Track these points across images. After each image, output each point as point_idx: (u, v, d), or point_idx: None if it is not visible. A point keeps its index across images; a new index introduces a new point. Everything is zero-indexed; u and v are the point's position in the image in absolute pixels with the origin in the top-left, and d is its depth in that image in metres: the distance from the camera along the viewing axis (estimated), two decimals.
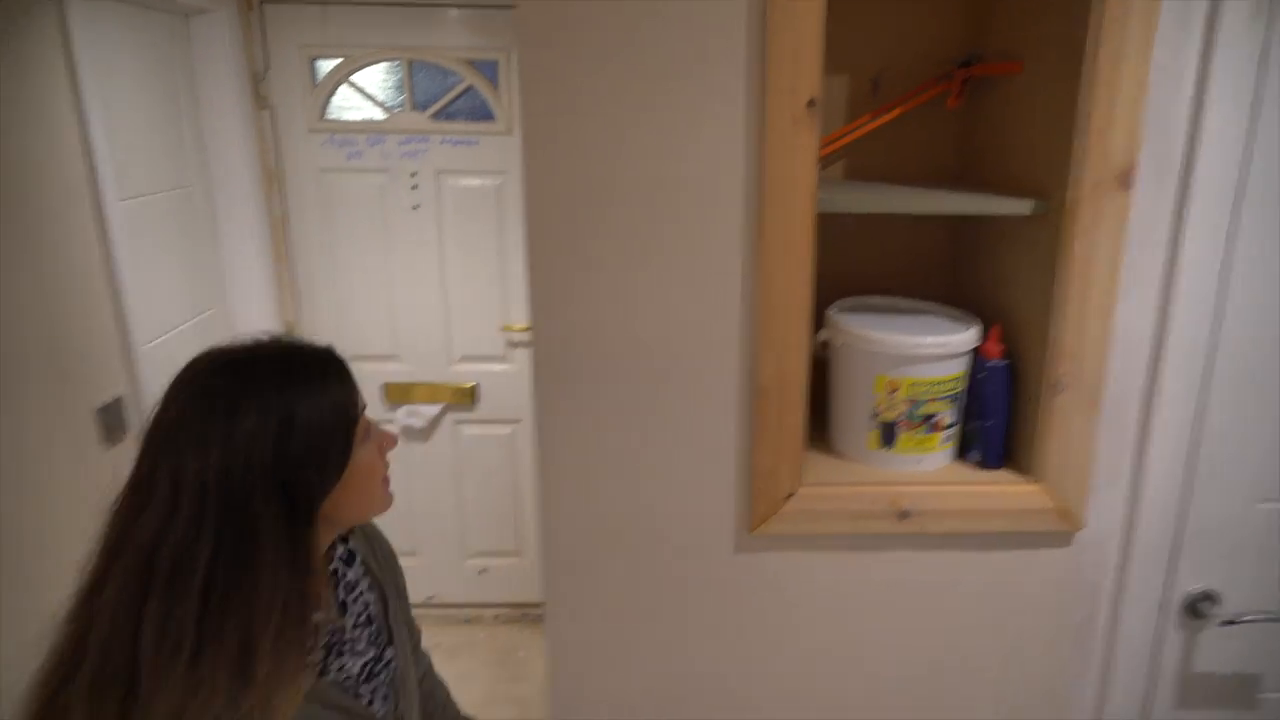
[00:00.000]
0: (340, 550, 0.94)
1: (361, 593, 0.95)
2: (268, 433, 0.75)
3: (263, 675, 0.74)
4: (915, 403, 1.11)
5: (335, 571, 0.92)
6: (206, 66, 2.32)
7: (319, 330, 2.70)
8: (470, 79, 2.53)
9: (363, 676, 0.92)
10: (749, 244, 0.99)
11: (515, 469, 2.95)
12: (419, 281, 2.70)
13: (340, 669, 0.89)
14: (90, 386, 1.62)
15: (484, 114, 2.57)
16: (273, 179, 2.54)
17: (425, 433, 2.87)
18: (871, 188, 1.20)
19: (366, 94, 2.53)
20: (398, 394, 2.81)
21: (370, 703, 0.93)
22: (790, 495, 1.07)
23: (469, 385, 2.82)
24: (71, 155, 1.61)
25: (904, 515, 1.09)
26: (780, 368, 1.03)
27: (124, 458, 1.75)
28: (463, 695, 1.31)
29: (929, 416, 1.12)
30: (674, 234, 0.99)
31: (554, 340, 1.05)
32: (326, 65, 2.49)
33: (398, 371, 2.80)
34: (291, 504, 0.77)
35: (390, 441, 0.89)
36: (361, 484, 0.85)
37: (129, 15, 1.96)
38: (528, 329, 2.68)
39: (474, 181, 2.63)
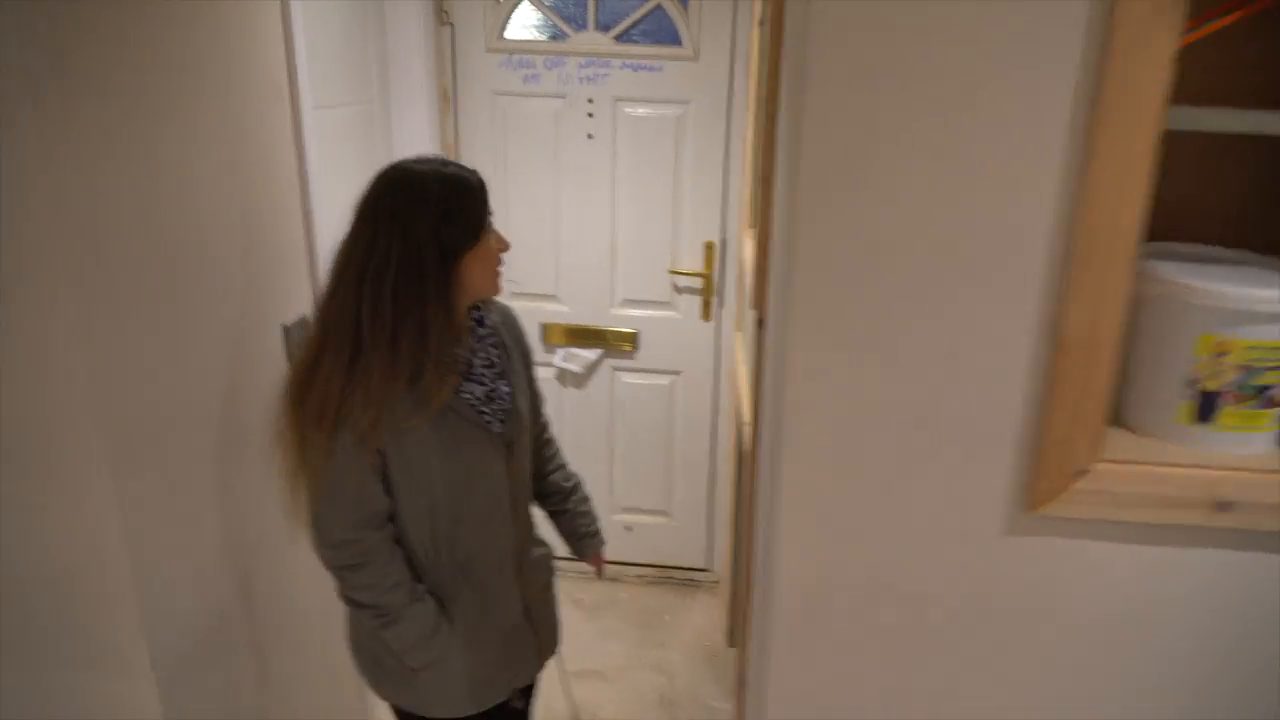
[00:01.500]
0: (475, 314, 1.39)
1: (488, 344, 1.40)
2: (432, 200, 1.24)
3: (431, 363, 1.26)
4: (1249, 370, 0.95)
5: (471, 327, 1.37)
6: None
7: None
8: None
9: (483, 400, 1.35)
10: (1072, 162, 0.86)
11: (670, 424, 2.91)
12: (586, 217, 2.66)
13: (470, 392, 1.34)
14: (279, 303, 1.67)
15: (670, 37, 2.48)
16: (448, 100, 2.56)
17: (581, 378, 2.87)
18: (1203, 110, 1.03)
19: (548, 8, 2.49)
20: (556, 335, 2.81)
21: (489, 422, 1.36)
22: (1084, 472, 0.94)
23: (630, 331, 2.79)
24: (275, 55, 1.64)
25: (1224, 506, 0.94)
26: (1093, 318, 0.90)
27: None
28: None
29: (1264, 389, 0.96)
30: (973, 141, 0.87)
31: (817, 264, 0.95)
32: None
33: (557, 312, 2.79)
34: (442, 253, 1.24)
35: (502, 243, 1.34)
36: (484, 260, 1.30)
37: None
38: (698, 274, 2.65)
39: (654, 111, 2.55)
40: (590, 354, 2.81)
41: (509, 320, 1.50)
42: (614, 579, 3.08)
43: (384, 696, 1.50)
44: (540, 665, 1.60)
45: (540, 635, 1.56)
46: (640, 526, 3.04)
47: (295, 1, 1.65)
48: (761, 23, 1.98)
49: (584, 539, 1.67)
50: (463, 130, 2.60)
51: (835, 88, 0.88)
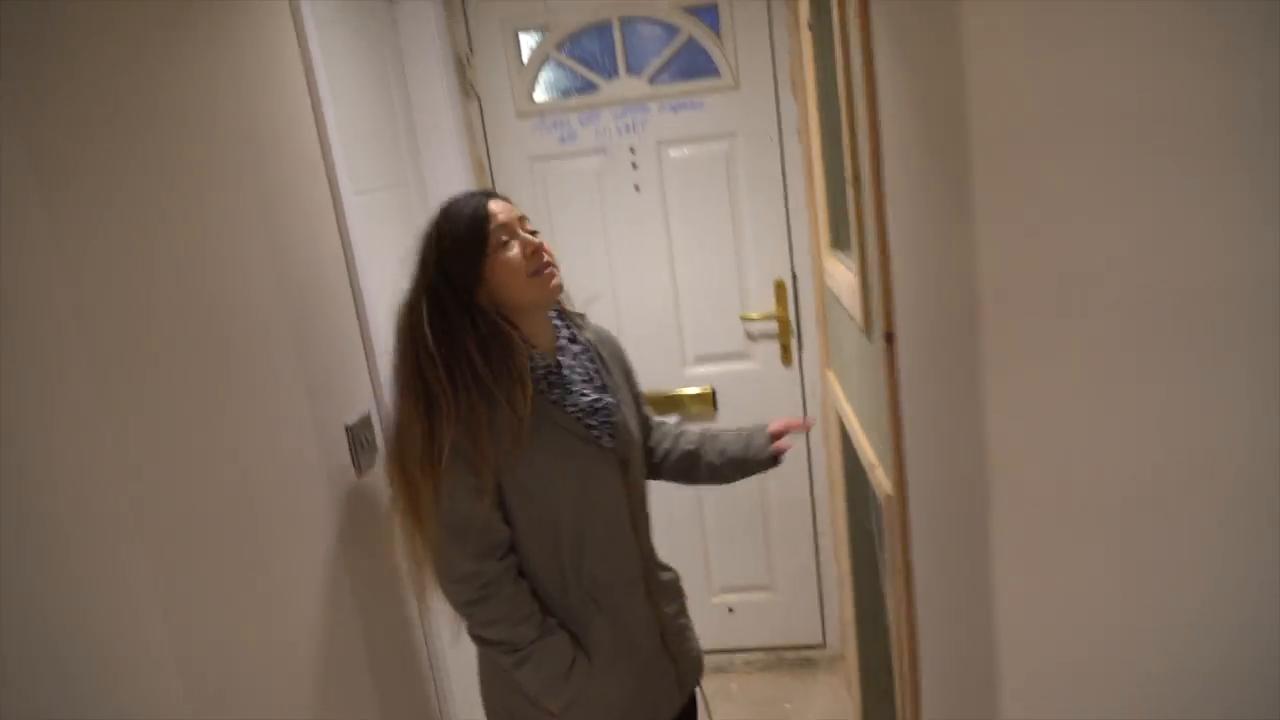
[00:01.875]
0: (566, 331, 1.44)
1: (584, 360, 1.42)
2: (431, 236, 1.35)
3: (495, 382, 1.28)
4: None
5: (562, 346, 1.42)
6: (414, 48, 2.25)
7: None
8: (689, 29, 2.33)
9: (590, 410, 1.36)
10: None
11: (763, 487, 2.67)
12: (644, 274, 2.51)
13: (573, 404, 1.35)
14: (339, 401, 1.51)
15: (706, 69, 2.37)
16: (484, 171, 2.45)
17: None
18: None
19: (576, 63, 2.39)
20: None
21: (598, 436, 1.37)
22: None
23: (706, 391, 2.59)
24: (308, 134, 1.52)
25: None
26: None
27: (375, 486, 1.65)
28: None
29: None
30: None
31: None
32: (529, 40, 2.38)
33: None
34: (450, 282, 1.31)
35: (528, 246, 1.34)
36: (506, 275, 1.32)
37: None
38: (771, 316, 2.47)
39: (700, 150, 2.42)
40: (668, 421, 2.61)
41: (605, 339, 1.53)
42: (720, 669, 2.80)
43: None
44: (683, 697, 1.54)
45: (679, 665, 1.51)
46: (743, 606, 2.78)
47: (322, 74, 1.55)
48: (811, 25, 1.85)
49: (752, 444, 1.59)
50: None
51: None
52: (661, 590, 1.50)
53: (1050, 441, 0.77)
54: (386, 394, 1.68)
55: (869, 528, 2.29)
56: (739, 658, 2.83)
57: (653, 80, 2.38)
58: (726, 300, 2.51)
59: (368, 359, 1.67)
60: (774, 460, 1.57)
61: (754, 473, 1.59)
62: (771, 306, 2.52)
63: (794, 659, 2.83)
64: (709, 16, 2.33)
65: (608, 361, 1.47)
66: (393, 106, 2.18)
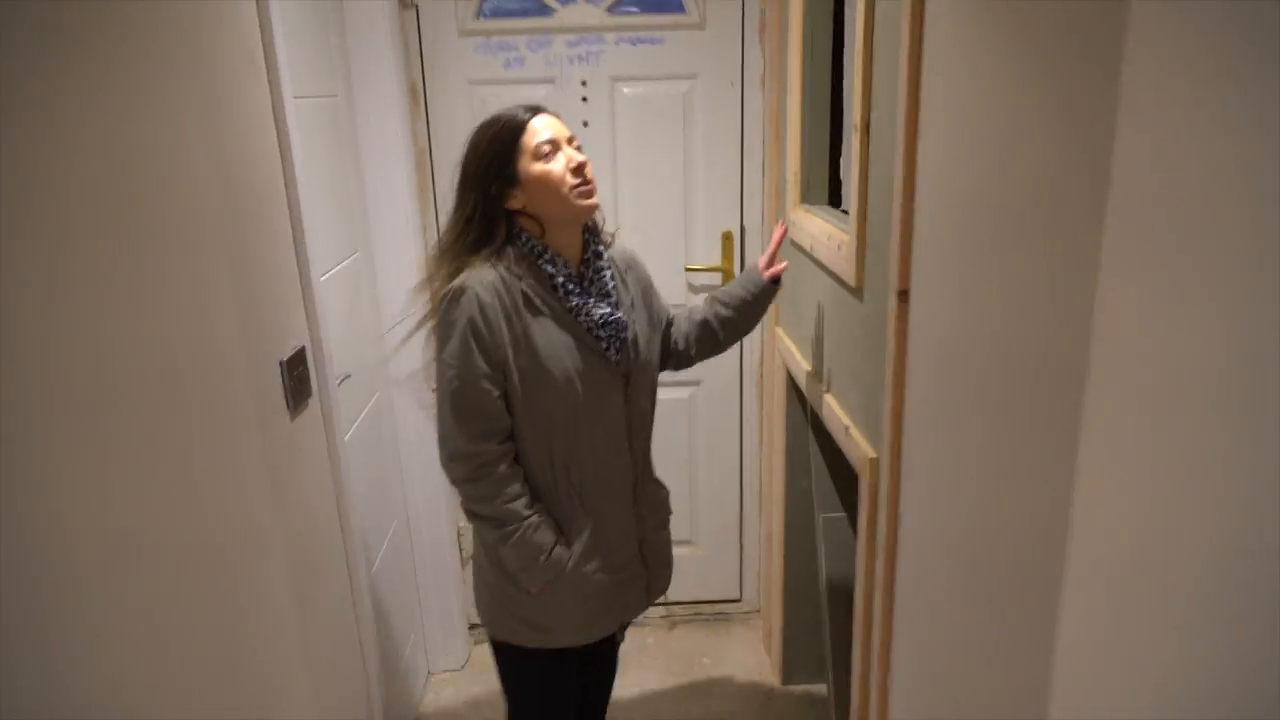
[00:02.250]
0: (593, 248, 1.49)
1: (605, 276, 1.48)
2: (468, 155, 1.43)
3: (518, 266, 1.40)
4: None
5: (587, 260, 1.48)
6: None
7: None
8: None
9: (601, 323, 1.43)
10: None
11: (691, 442, 2.64)
12: None
13: (586, 313, 1.43)
14: (271, 333, 1.34)
15: (671, 4, 2.24)
16: (418, 95, 2.25)
17: None
18: None
19: None
20: None
21: (606, 348, 1.45)
22: None
23: None
24: (250, 26, 1.32)
25: None
26: None
27: (310, 430, 1.49)
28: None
29: None
30: None
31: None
32: None
33: None
34: (489, 198, 1.40)
35: (571, 162, 1.40)
36: (540, 189, 1.39)
37: None
38: (716, 268, 2.40)
39: (656, 89, 2.30)
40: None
41: (630, 260, 1.58)
42: (636, 623, 2.78)
43: (500, 635, 1.57)
44: (648, 603, 1.66)
45: (651, 571, 1.62)
46: None
47: None
48: None
49: (750, 282, 1.65)
50: (437, 126, 2.29)
51: None
52: (648, 503, 1.59)
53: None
54: (322, 326, 1.52)
55: (805, 486, 2.30)
56: (655, 611, 2.81)
57: (612, 9, 2.24)
58: (671, 249, 2.43)
59: (303, 285, 1.50)
60: (776, 282, 1.66)
61: (767, 304, 1.69)
62: (718, 258, 2.46)
63: (710, 614, 2.84)
64: None
65: (628, 282, 1.54)
66: (323, 12, 1.95)
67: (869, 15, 1.33)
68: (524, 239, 1.42)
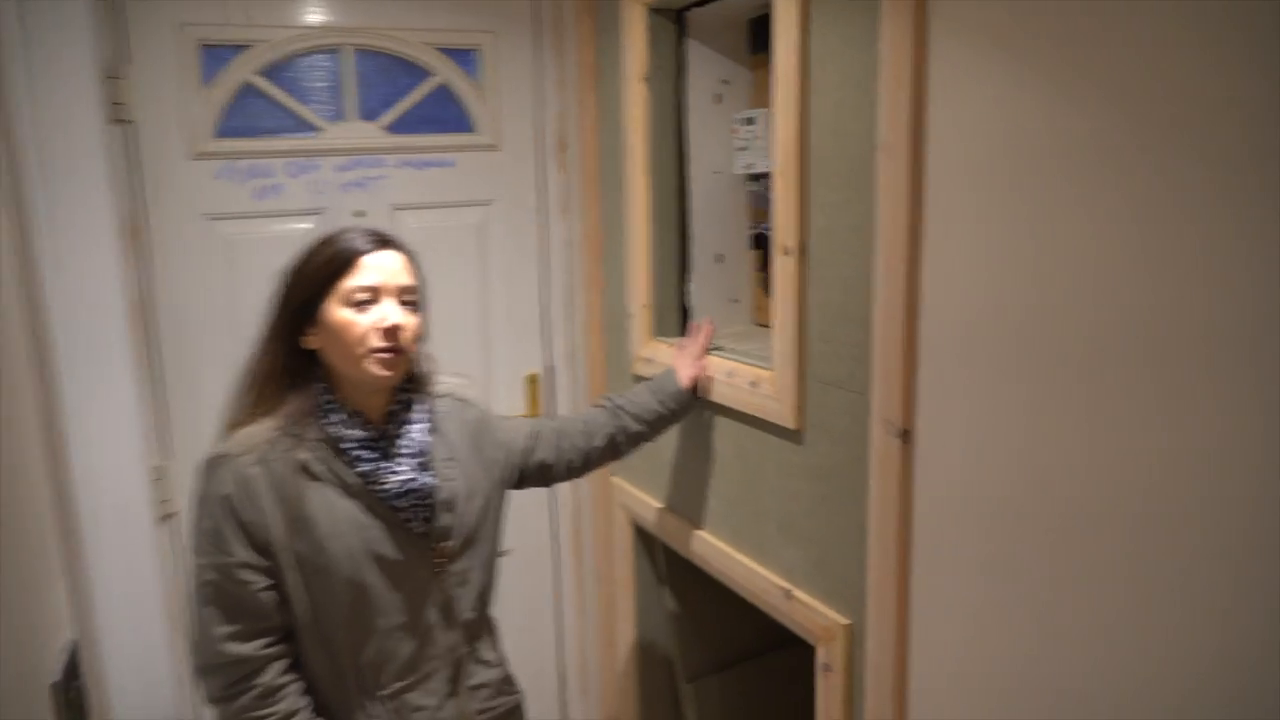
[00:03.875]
0: (401, 398, 1.27)
1: (412, 432, 1.26)
2: (287, 270, 1.22)
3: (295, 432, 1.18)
4: None
5: (393, 413, 1.26)
6: (41, 46, 1.53)
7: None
8: (444, 73, 1.96)
9: (399, 492, 1.21)
10: None
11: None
12: None
13: (380, 482, 1.21)
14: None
15: (459, 124, 2.01)
16: (138, 234, 1.74)
17: None
18: None
19: (288, 95, 1.84)
20: None
21: (410, 519, 1.23)
22: None
23: None
24: None
25: None
26: None
27: None
28: None
29: None
30: None
31: None
32: (224, 58, 1.79)
33: None
34: (287, 327, 1.21)
35: (386, 324, 1.17)
36: (337, 336, 1.18)
37: None
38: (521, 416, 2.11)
39: (448, 219, 2.02)
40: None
41: (459, 408, 1.38)
42: None
43: None
44: None
45: None
46: None
47: None
48: (647, 78, 1.64)
49: (670, 395, 1.51)
50: (165, 272, 1.78)
51: None
52: (475, 689, 1.33)
53: None
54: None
55: (663, 655, 2.04)
56: None
57: (392, 128, 1.94)
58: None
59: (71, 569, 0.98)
60: (693, 393, 1.53)
61: (684, 417, 1.56)
62: (521, 405, 2.18)
63: None
64: (467, 62, 1.99)
65: (449, 432, 1.33)
66: (9, 133, 1.43)
67: (802, 122, 1.22)
68: (317, 388, 1.21)
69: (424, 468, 1.25)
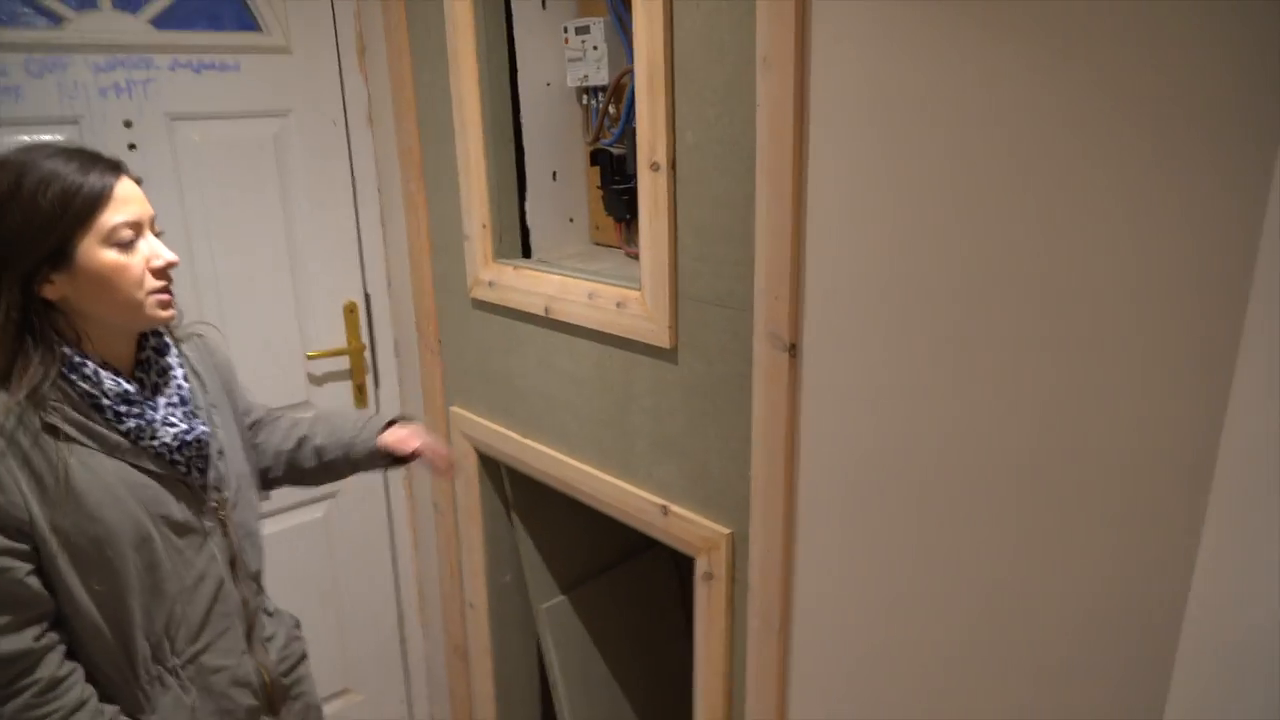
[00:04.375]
0: (152, 342, 1.16)
1: (177, 381, 1.16)
2: None
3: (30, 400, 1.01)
4: None
5: (146, 360, 1.14)
6: None
7: None
8: None
9: (175, 445, 1.12)
10: None
11: (334, 570, 2.14)
12: None
13: (153, 437, 1.10)
14: None
15: (241, 20, 1.75)
16: None
17: None
18: None
19: None
20: None
21: (187, 471, 1.15)
22: None
23: None
24: None
25: None
26: None
27: None
28: None
29: None
30: None
31: None
32: None
33: None
34: (20, 273, 0.99)
35: (160, 261, 1.07)
36: (101, 286, 1.02)
37: None
38: (341, 351, 1.93)
39: (236, 130, 1.78)
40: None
41: (207, 349, 1.29)
42: None
43: None
44: None
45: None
46: None
47: None
48: None
49: (368, 441, 1.38)
50: None
51: None
52: (268, 645, 1.31)
53: None
54: None
55: (509, 580, 2.03)
56: None
57: (157, 22, 1.65)
58: (283, 336, 1.92)
59: None
60: (396, 461, 1.40)
61: (367, 469, 1.42)
62: (342, 338, 2.02)
63: None
64: None
65: (204, 378, 1.24)
66: None
67: (668, 33, 1.17)
68: (54, 342, 1.03)
69: (192, 415, 1.17)
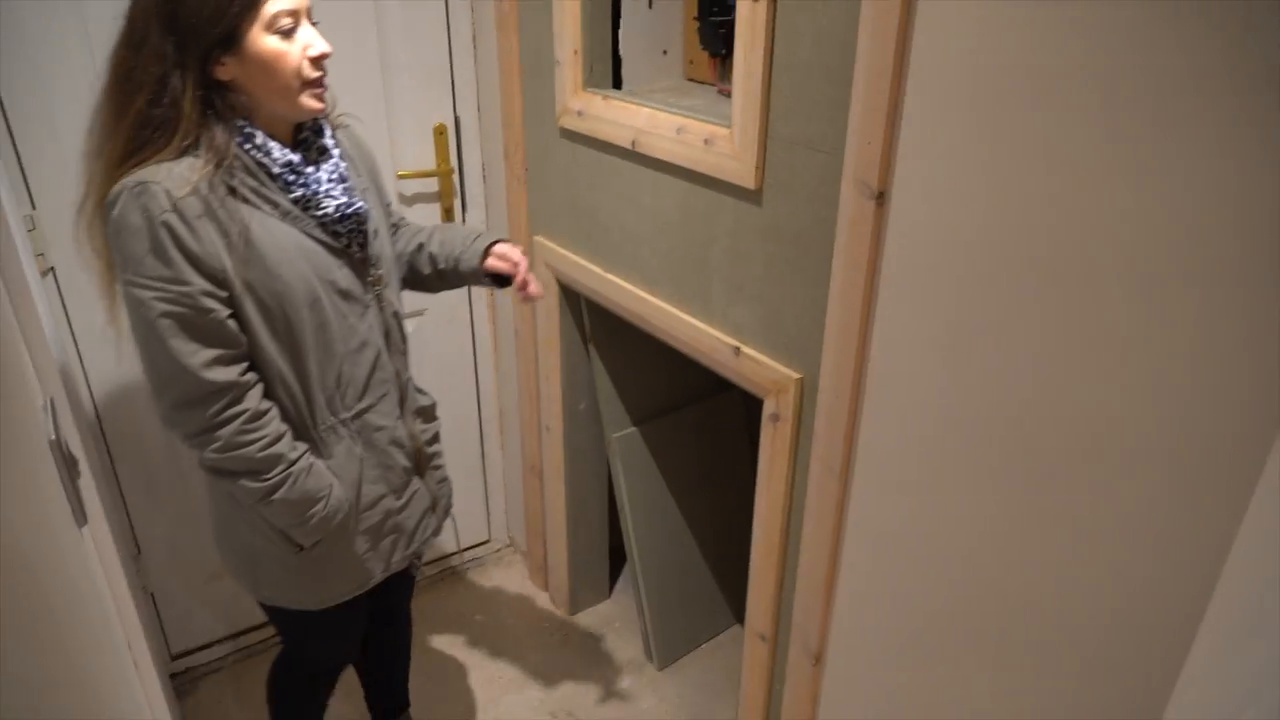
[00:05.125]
0: (310, 124, 1.24)
1: (335, 159, 1.25)
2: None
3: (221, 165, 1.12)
4: None
5: (305, 140, 1.23)
6: None
7: None
8: None
9: (337, 216, 1.22)
10: None
11: (420, 378, 2.27)
12: None
13: (318, 205, 1.20)
14: None
15: None
16: None
17: None
18: None
19: None
20: None
21: (348, 244, 1.26)
22: None
23: None
24: None
25: None
26: None
27: None
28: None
29: None
30: None
31: None
32: None
33: None
34: (189, 63, 1.08)
35: (315, 51, 1.14)
36: (264, 72, 1.12)
37: None
38: (431, 172, 1.92)
39: None
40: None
41: (357, 140, 1.39)
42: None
43: (270, 600, 1.39)
44: (438, 524, 1.53)
45: (432, 486, 1.49)
46: None
47: None
48: None
49: (472, 259, 1.46)
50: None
51: None
52: (417, 413, 1.46)
53: None
54: None
55: (585, 407, 2.13)
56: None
57: None
58: (375, 154, 1.96)
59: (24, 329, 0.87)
60: (498, 282, 1.50)
61: (467, 284, 1.54)
62: (431, 160, 2.05)
63: (464, 563, 2.59)
64: None
65: (356, 162, 1.34)
66: None
67: None
68: (229, 116, 1.14)
69: (351, 192, 1.26)
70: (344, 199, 1.23)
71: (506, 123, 1.91)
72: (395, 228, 1.50)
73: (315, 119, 1.24)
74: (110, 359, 1.77)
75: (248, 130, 1.14)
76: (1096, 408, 0.91)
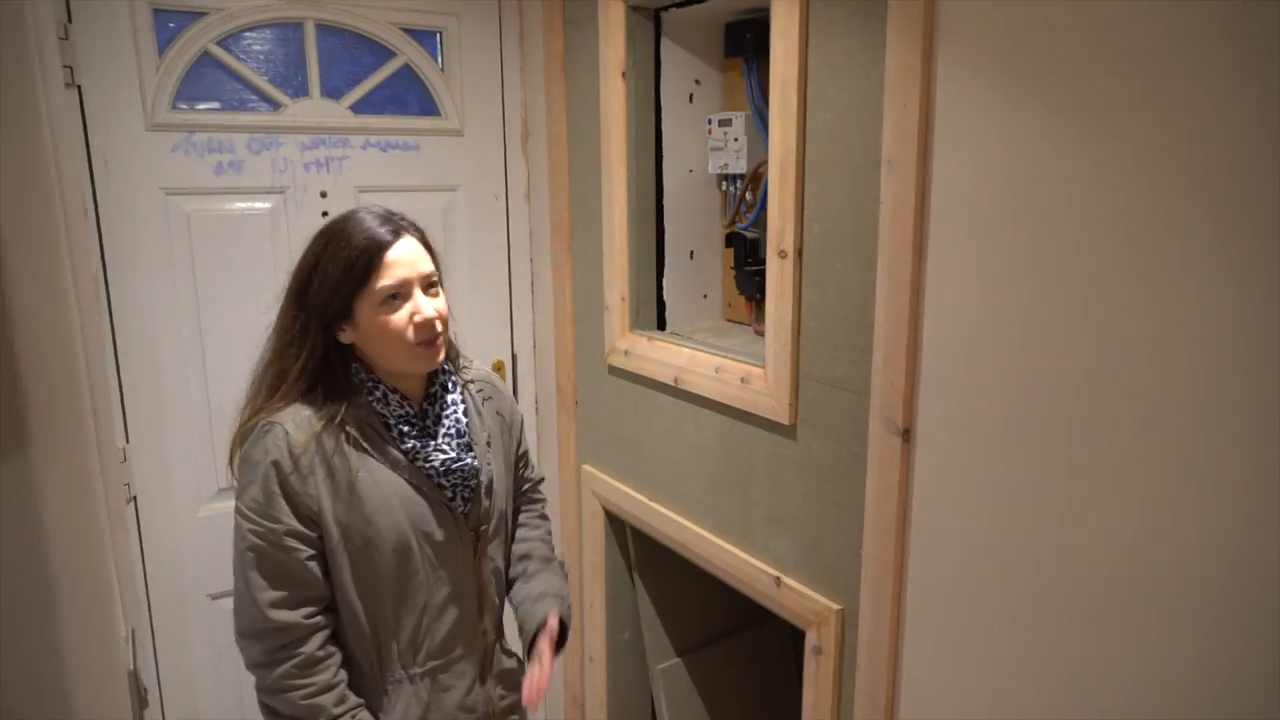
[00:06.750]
0: (440, 379, 1.33)
1: (457, 412, 1.33)
2: (305, 267, 1.23)
3: (337, 416, 1.22)
4: None
5: (433, 394, 1.32)
6: None
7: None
8: (407, 54, 1.95)
9: (443, 470, 1.27)
10: None
11: None
12: None
13: (425, 458, 1.26)
14: None
15: (424, 107, 2.00)
16: (83, 210, 1.68)
17: None
18: None
19: (247, 68, 1.80)
20: None
21: (452, 498, 1.29)
22: None
23: None
24: None
25: None
26: None
27: None
28: None
29: None
30: None
31: None
32: (179, 24, 1.73)
33: None
34: (315, 326, 1.22)
35: (420, 318, 1.21)
36: (375, 337, 1.22)
37: None
38: None
39: (413, 202, 2.02)
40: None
41: (493, 390, 1.44)
42: None
43: None
44: None
45: None
46: None
47: None
48: (625, 74, 1.68)
49: (527, 619, 1.38)
50: (117, 249, 1.73)
51: None
52: (499, 677, 1.42)
53: None
54: None
55: (628, 638, 2.12)
56: None
57: (356, 108, 1.92)
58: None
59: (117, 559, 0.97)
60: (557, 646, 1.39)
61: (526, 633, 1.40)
62: None
63: None
64: (430, 44, 1.97)
65: (484, 414, 1.39)
66: None
67: (800, 131, 1.28)
68: (354, 371, 1.26)
69: (466, 449, 1.31)
70: (452, 454, 1.28)
71: (559, 359, 2.08)
72: (521, 484, 1.50)
73: (444, 373, 1.33)
74: (175, 584, 1.85)
75: (370, 384, 1.25)
76: (1116, 642, 0.93)
